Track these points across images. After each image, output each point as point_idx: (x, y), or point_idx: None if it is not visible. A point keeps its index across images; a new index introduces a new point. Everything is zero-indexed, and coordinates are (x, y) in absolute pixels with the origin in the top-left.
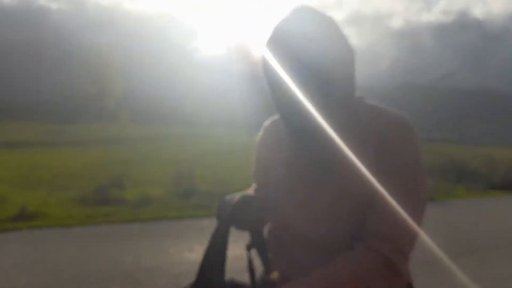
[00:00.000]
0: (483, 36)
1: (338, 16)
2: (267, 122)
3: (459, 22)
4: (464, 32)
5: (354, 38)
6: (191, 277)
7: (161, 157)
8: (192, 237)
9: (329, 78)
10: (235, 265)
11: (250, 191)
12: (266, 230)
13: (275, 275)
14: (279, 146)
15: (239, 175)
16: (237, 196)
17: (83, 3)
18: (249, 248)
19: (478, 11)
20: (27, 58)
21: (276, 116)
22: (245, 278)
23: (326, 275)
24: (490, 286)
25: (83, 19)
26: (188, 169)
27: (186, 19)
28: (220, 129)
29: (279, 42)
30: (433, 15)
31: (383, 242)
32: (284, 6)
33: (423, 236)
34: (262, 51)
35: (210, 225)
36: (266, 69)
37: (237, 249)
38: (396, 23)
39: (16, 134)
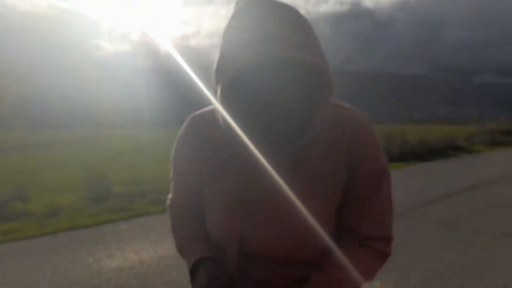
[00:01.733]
0: (374, 24)
1: None
2: (195, 116)
3: (353, 11)
4: (357, 21)
5: None
6: (114, 286)
7: (68, 162)
8: (110, 243)
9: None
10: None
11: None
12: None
13: None
14: (221, 146)
15: (153, 174)
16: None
17: None
18: None
19: (368, 1)
20: None
21: (204, 109)
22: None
23: (345, 270)
24: (401, 244)
25: None
26: (99, 172)
27: (85, 14)
28: (127, 129)
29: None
30: (330, 6)
31: (378, 243)
32: None
33: None
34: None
35: (128, 228)
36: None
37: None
38: None
39: None
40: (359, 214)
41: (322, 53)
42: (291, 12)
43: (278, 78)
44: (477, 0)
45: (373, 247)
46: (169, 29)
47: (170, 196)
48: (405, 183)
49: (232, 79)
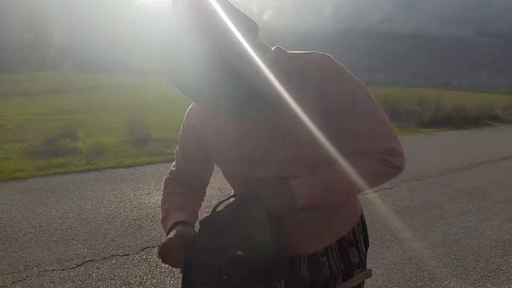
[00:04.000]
0: None
1: None
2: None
3: None
4: None
5: None
6: (151, 220)
7: (110, 106)
8: (149, 182)
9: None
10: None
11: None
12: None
13: None
14: (216, 123)
15: None
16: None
17: None
18: None
19: None
20: None
21: None
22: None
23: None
24: (420, 207)
25: None
26: (139, 117)
27: None
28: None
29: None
30: None
31: (382, 154)
32: None
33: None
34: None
35: (166, 169)
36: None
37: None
38: None
39: None
40: (350, 140)
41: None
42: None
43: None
44: None
45: (371, 157)
46: None
47: (170, 169)
48: (433, 149)
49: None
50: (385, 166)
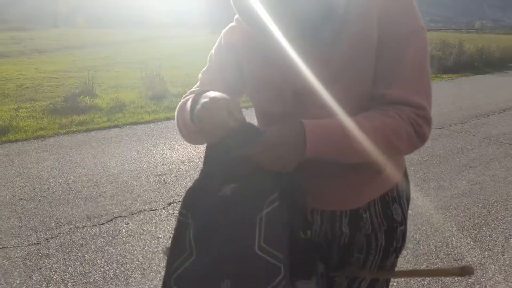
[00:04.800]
0: None
1: None
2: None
3: None
4: None
5: None
6: (175, 175)
7: (126, 62)
8: (170, 137)
9: None
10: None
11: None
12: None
13: None
14: (255, 46)
15: None
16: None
17: None
18: None
19: None
20: None
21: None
22: None
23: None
24: (443, 155)
25: None
26: (156, 72)
27: None
28: (179, 30)
29: None
30: None
31: (405, 107)
32: None
33: None
34: None
35: None
36: None
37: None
38: None
39: None
40: (386, 79)
41: None
42: None
43: None
44: None
45: (398, 110)
46: None
47: (190, 90)
48: (456, 95)
49: None
50: (412, 127)
